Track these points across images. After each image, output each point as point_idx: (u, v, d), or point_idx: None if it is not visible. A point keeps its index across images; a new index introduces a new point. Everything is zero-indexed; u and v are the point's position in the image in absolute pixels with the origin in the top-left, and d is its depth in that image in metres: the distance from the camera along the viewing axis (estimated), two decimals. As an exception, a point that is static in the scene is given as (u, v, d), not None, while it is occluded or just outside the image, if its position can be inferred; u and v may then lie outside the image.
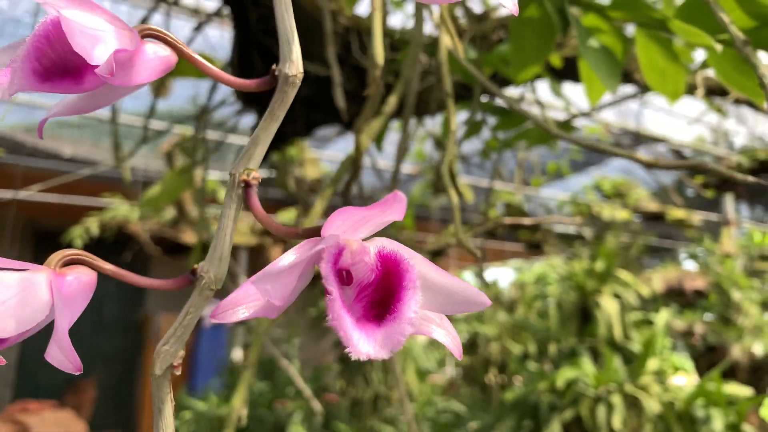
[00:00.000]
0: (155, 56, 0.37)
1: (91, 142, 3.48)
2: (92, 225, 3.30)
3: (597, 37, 0.77)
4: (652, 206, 3.87)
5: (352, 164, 0.79)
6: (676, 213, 3.87)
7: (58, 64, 0.33)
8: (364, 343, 0.27)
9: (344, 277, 0.31)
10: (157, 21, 1.39)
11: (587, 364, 2.79)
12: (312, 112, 0.96)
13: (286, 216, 3.46)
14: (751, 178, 0.64)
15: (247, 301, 0.30)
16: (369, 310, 0.30)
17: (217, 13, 1.01)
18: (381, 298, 0.30)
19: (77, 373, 0.31)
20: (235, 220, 0.38)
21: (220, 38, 1.79)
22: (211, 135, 1.64)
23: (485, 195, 3.75)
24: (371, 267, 0.31)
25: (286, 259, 0.30)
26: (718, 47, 0.65)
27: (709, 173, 0.56)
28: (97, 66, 0.32)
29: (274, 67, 0.37)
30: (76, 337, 0.32)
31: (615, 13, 0.74)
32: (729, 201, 4.81)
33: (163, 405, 0.36)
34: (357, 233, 0.31)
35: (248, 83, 0.39)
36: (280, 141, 1.04)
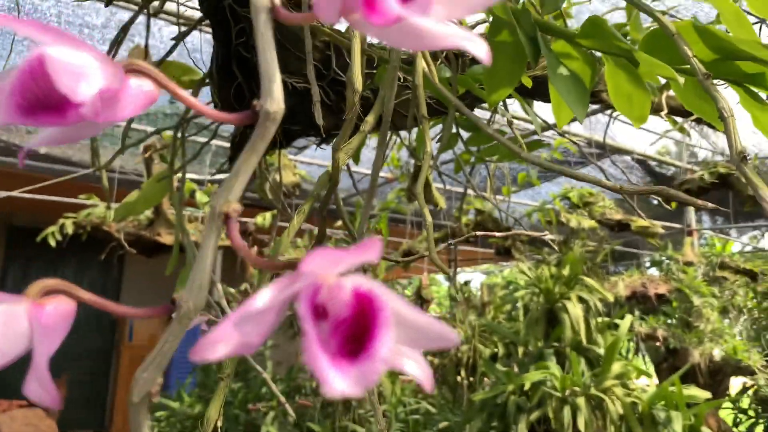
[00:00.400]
0: (139, 91, 0.37)
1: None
2: (67, 223, 3.23)
3: (567, 63, 0.80)
4: (618, 216, 3.99)
5: (330, 179, 0.80)
6: (641, 222, 3.99)
7: (42, 100, 0.33)
8: (339, 381, 0.28)
9: (320, 311, 0.33)
10: (140, 21, 1.38)
11: (553, 367, 2.85)
12: (290, 124, 0.97)
13: (262, 219, 3.46)
14: (710, 205, 0.68)
15: (225, 340, 0.31)
16: (343, 346, 0.31)
17: (199, 22, 1.01)
18: (355, 334, 0.31)
19: (55, 407, 0.31)
20: (215, 250, 0.39)
21: (198, 41, 1.77)
22: (190, 138, 1.63)
23: (458, 199, 3.80)
24: (346, 303, 0.32)
25: (263, 298, 0.31)
26: (681, 80, 0.69)
27: (671, 198, 0.59)
28: (81, 104, 0.33)
29: (255, 102, 0.38)
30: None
31: (584, 41, 0.77)
32: (691, 212, 4.98)
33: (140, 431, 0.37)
34: (334, 270, 0.33)
35: (229, 117, 0.40)
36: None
